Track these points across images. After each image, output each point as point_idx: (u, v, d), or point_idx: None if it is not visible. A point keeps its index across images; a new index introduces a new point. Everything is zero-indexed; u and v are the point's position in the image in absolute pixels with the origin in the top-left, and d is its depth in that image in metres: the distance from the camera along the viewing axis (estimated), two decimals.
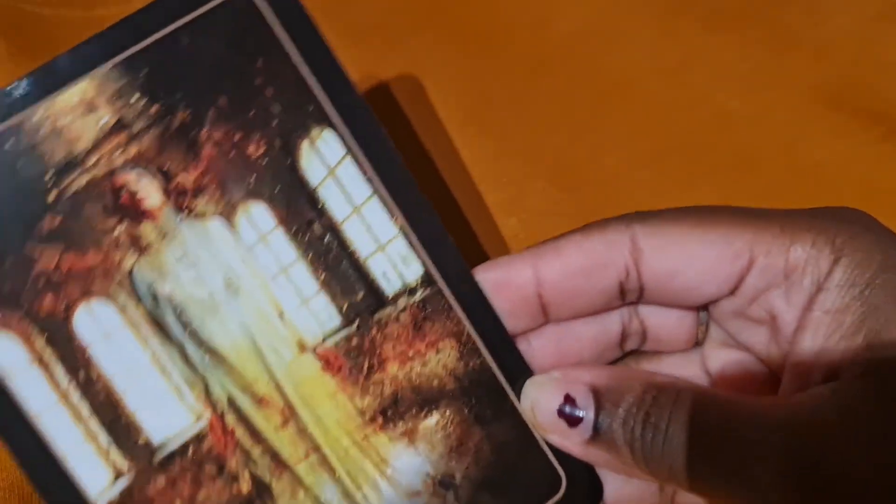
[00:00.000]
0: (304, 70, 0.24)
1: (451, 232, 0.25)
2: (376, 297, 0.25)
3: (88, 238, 0.23)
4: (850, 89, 0.34)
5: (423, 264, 0.25)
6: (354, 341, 0.25)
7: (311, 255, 0.24)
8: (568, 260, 0.25)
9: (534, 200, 0.35)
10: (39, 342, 0.23)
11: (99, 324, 0.23)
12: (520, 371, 0.26)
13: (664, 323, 0.27)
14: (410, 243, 0.25)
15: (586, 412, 0.24)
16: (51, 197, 0.23)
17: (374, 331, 0.25)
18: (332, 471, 0.25)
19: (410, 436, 0.25)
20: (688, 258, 0.24)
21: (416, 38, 0.36)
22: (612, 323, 0.27)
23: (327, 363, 0.25)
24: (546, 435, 0.25)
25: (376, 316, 0.25)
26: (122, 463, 0.24)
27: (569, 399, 0.24)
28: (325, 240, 0.25)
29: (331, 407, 0.25)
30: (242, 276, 0.24)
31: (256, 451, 0.24)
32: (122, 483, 0.24)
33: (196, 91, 0.24)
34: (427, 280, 0.25)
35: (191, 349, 0.24)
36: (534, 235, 0.32)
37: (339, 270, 0.25)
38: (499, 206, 0.35)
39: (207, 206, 0.24)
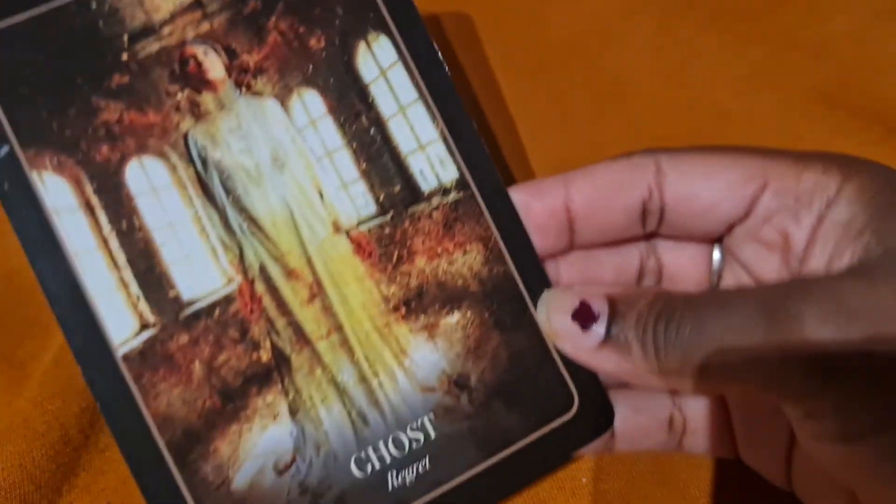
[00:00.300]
0: None
1: None
2: (412, 192, 0.26)
3: (152, 98, 0.25)
4: (850, 89, 0.34)
5: (459, 169, 0.26)
6: (387, 230, 0.26)
7: (355, 144, 0.26)
8: (596, 177, 0.26)
9: None
10: (89, 188, 0.24)
11: (148, 178, 0.25)
12: (542, 284, 0.26)
13: (679, 262, 0.28)
14: (449, 148, 0.26)
15: (601, 316, 0.24)
16: (124, 57, 0.25)
17: (406, 223, 0.26)
18: (351, 353, 0.25)
19: (431, 330, 0.26)
20: (706, 179, 0.25)
21: None
22: (631, 256, 0.28)
23: (359, 247, 0.25)
24: (558, 342, 0.25)
25: (410, 210, 0.26)
26: (150, 315, 0.24)
27: (584, 305, 0.25)
28: (370, 132, 0.26)
29: (357, 289, 0.25)
30: (289, 154, 0.25)
31: (281, 323, 0.25)
32: (147, 334, 0.24)
33: None
34: (461, 184, 0.26)
35: (231, 214, 0.25)
36: None
37: (379, 162, 0.26)
38: None
39: (265, 86, 0.26)
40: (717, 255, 0.28)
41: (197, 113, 0.25)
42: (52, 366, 0.30)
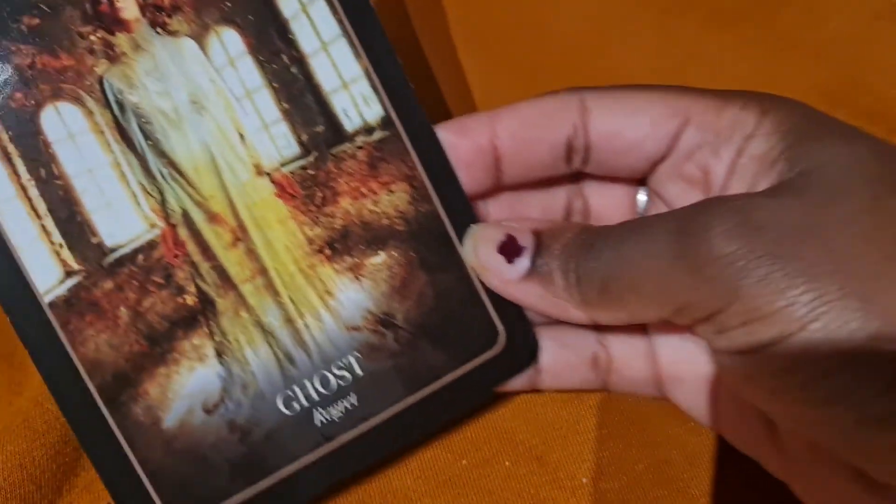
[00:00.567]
0: None
1: None
2: (335, 132, 0.26)
3: (65, 41, 0.24)
4: (850, 89, 0.34)
5: (384, 107, 0.26)
6: (310, 171, 0.26)
7: (276, 83, 0.25)
8: (521, 113, 0.26)
9: None
10: (5, 136, 0.24)
11: (65, 124, 0.24)
12: (469, 223, 0.26)
13: (606, 203, 0.28)
14: (373, 85, 0.26)
15: (526, 249, 0.25)
16: None
17: (330, 164, 0.26)
18: (276, 295, 0.25)
19: (356, 271, 0.26)
20: (630, 116, 0.25)
21: None
22: (559, 198, 0.28)
23: (282, 189, 0.25)
24: (484, 275, 0.26)
25: (334, 150, 0.26)
26: (73, 262, 0.24)
27: (510, 238, 0.25)
28: (292, 70, 0.26)
29: (281, 232, 0.25)
30: (208, 96, 0.25)
31: (205, 267, 0.25)
32: (72, 281, 0.24)
33: None
34: (386, 122, 0.26)
35: (151, 159, 0.25)
36: None
37: (301, 101, 0.26)
38: None
39: (182, 25, 0.25)
40: (642, 195, 0.28)
41: (112, 55, 0.25)
42: None
